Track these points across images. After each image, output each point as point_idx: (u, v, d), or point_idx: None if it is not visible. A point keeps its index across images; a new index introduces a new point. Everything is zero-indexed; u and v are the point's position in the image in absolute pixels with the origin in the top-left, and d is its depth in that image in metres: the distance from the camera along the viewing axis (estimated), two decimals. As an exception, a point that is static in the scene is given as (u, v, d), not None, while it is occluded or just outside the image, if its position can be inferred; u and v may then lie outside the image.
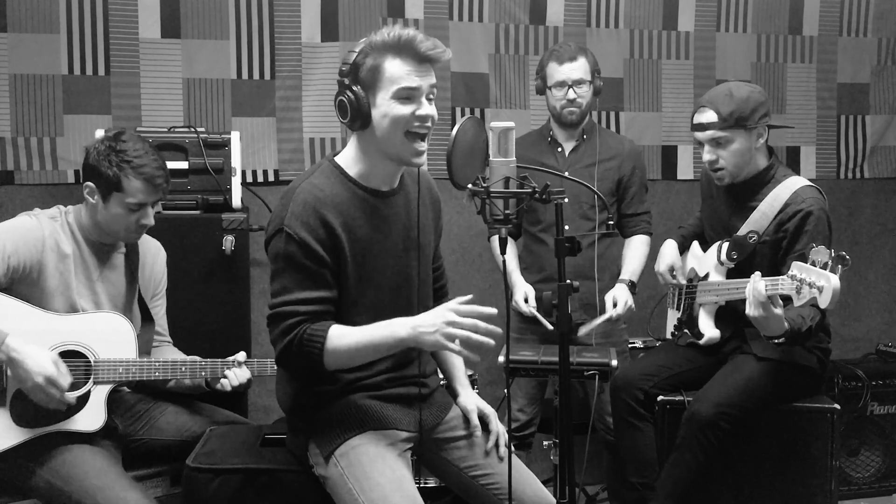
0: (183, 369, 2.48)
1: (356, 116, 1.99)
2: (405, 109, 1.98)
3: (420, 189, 2.19)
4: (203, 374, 2.50)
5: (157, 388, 2.61)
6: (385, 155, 2.04)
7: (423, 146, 2.02)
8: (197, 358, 2.53)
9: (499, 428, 2.25)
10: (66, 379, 2.28)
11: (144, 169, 2.37)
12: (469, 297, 1.97)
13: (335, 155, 2.12)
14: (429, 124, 2.01)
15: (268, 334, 2.05)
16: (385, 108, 1.98)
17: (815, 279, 2.27)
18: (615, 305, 3.02)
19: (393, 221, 2.12)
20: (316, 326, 1.98)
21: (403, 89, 1.96)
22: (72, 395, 2.32)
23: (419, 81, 1.98)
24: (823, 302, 2.25)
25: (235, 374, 2.52)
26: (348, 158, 2.09)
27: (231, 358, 2.54)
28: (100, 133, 2.96)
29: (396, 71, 1.97)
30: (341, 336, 1.98)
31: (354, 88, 1.98)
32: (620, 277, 3.15)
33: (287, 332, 1.99)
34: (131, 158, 2.36)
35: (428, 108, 2.00)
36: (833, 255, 2.27)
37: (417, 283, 2.17)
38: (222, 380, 2.53)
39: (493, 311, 1.92)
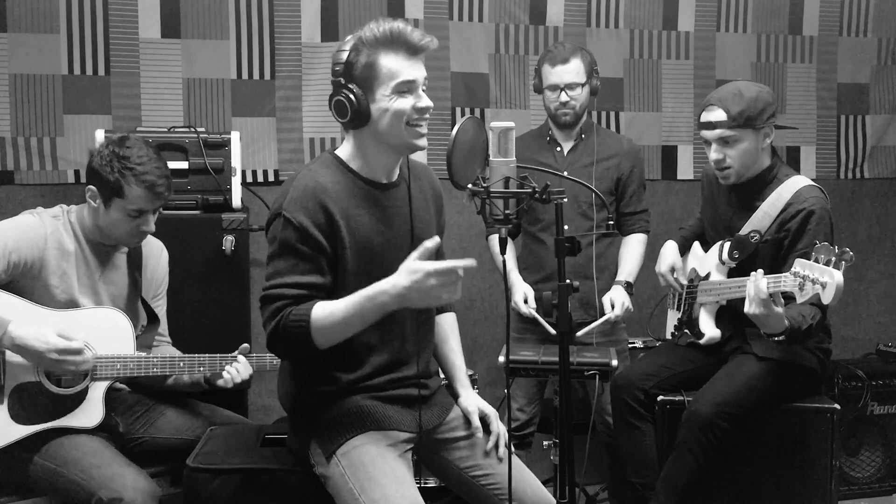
0: (181, 365, 2.48)
1: (356, 115, 1.99)
2: (405, 103, 1.99)
3: (421, 182, 2.20)
4: (202, 369, 2.50)
5: (156, 386, 2.61)
6: (387, 147, 2.06)
7: (425, 129, 2.05)
8: (195, 354, 2.52)
9: (499, 428, 2.24)
10: (77, 342, 2.30)
11: (146, 177, 2.36)
12: (435, 240, 1.91)
13: (335, 149, 2.14)
14: (427, 116, 2.04)
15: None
16: (384, 103, 1.99)
17: (819, 275, 2.27)
18: (613, 308, 3.03)
19: (394, 213, 2.12)
20: (301, 306, 1.96)
21: (403, 83, 1.98)
22: (91, 355, 2.34)
23: (415, 73, 2.00)
24: (826, 298, 2.25)
25: (237, 369, 2.51)
26: (347, 153, 2.11)
27: (231, 354, 2.53)
28: (100, 133, 2.99)
29: (393, 65, 1.98)
30: (326, 312, 1.94)
31: (351, 87, 1.98)
32: (617, 279, 3.15)
33: (275, 314, 1.98)
34: (133, 165, 2.36)
35: (426, 100, 2.03)
36: (837, 251, 2.27)
37: None
38: (224, 375, 2.50)
39: (472, 262, 1.87)
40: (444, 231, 2.33)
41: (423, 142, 2.06)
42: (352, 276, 2.04)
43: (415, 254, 1.89)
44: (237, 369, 2.51)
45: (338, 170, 2.07)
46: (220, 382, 2.52)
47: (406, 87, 1.99)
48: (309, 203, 1.98)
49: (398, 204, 2.13)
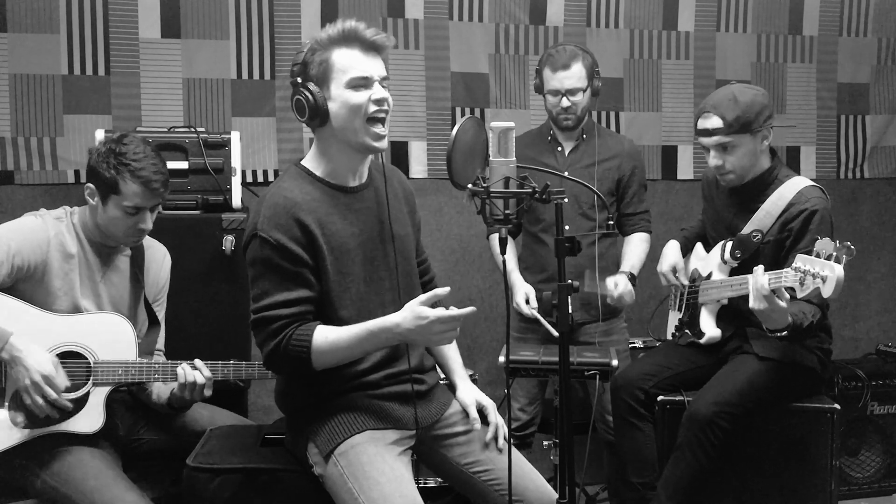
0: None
1: (315, 113, 2.03)
2: (361, 97, 2.01)
3: (391, 181, 2.21)
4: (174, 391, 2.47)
5: (139, 396, 2.59)
6: (347, 146, 2.07)
7: (384, 130, 2.06)
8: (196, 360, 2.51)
9: (497, 420, 2.25)
10: (62, 381, 2.28)
11: (142, 172, 2.35)
12: (447, 289, 2.00)
13: (300, 160, 2.16)
14: (385, 107, 2.04)
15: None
16: (341, 98, 2.01)
17: (819, 269, 2.26)
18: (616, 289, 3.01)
19: (365, 214, 2.14)
20: (301, 329, 2.01)
21: (355, 78, 2.01)
22: (68, 398, 2.30)
23: (370, 69, 2.02)
24: (827, 291, 2.24)
25: (192, 374, 2.41)
26: (312, 160, 2.13)
27: (232, 361, 2.50)
28: (100, 133, 2.98)
29: (346, 61, 2.01)
30: (328, 340, 2.01)
31: (308, 85, 2.01)
32: (621, 269, 3.14)
33: (273, 336, 2.01)
34: (129, 161, 2.35)
35: (383, 92, 2.04)
36: (838, 244, 2.27)
37: (398, 273, 2.18)
38: (179, 372, 2.41)
39: (473, 309, 1.99)
40: (420, 228, 2.36)
41: (381, 144, 2.06)
42: (334, 279, 2.07)
43: (423, 297, 1.97)
44: (189, 373, 2.41)
45: (305, 180, 2.09)
46: (174, 390, 2.44)
47: (361, 83, 2.01)
48: (282, 219, 2.00)
49: (368, 205, 2.15)
